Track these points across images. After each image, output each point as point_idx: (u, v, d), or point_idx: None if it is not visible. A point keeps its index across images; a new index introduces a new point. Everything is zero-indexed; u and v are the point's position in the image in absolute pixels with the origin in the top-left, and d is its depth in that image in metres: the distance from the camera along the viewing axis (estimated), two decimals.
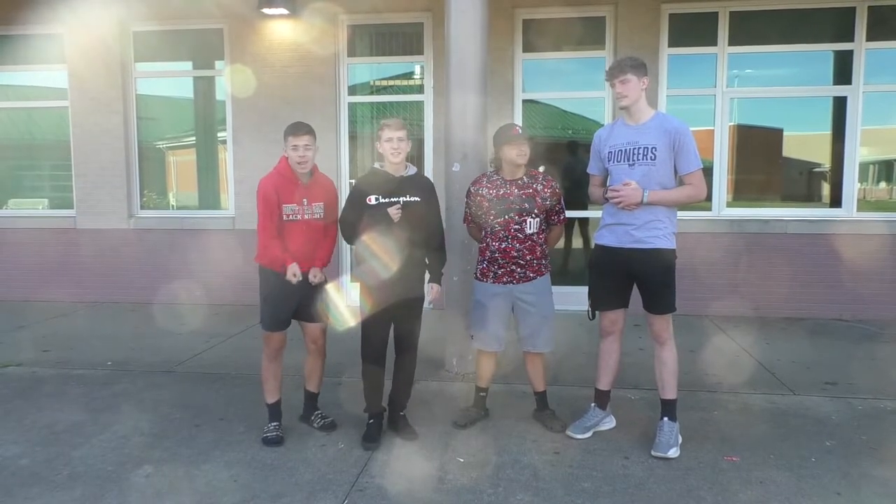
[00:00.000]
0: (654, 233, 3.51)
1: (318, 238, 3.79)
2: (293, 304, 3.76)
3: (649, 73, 3.64)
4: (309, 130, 3.67)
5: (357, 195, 3.68)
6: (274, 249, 3.67)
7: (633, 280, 3.64)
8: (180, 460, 3.54)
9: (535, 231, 3.77)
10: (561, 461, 3.51)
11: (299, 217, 3.70)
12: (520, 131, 3.75)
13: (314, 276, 3.79)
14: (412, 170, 3.76)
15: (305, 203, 3.71)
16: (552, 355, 4.16)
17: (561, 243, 7.19)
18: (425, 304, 3.80)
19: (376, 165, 3.77)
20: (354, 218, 3.67)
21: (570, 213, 4.54)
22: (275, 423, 3.81)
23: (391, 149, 3.62)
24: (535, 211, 3.74)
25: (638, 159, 3.51)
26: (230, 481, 3.31)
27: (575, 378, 4.73)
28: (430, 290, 3.80)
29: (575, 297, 5.68)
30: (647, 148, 3.49)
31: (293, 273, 3.63)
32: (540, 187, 3.78)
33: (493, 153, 3.86)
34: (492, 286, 3.82)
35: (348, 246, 3.93)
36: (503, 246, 3.75)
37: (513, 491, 3.20)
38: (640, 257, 3.53)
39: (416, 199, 3.66)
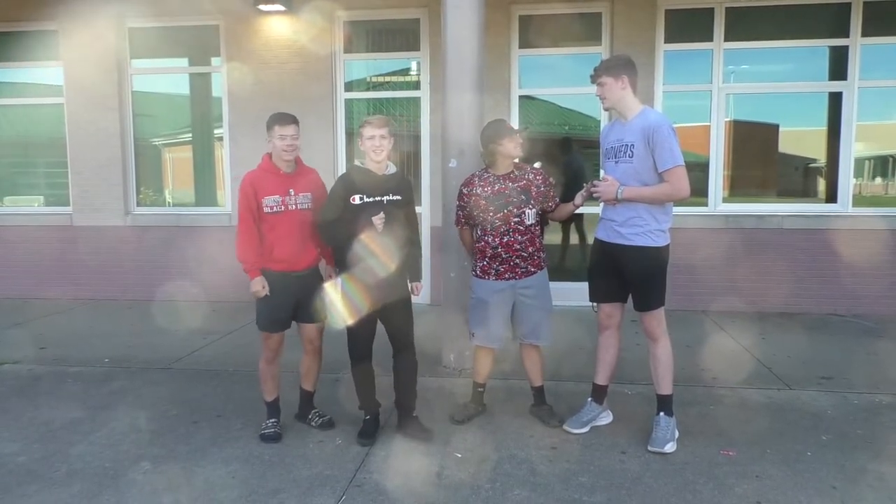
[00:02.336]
0: (634, 230, 3.53)
1: (309, 231, 3.70)
2: (291, 304, 3.71)
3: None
4: (295, 120, 3.67)
5: (339, 193, 3.59)
6: (249, 254, 3.59)
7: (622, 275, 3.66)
8: (178, 457, 3.55)
9: (533, 222, 3.79)
10: (558, 456, 3.52)
11: (283, 209, 3.61)
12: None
13: (330, 273, 3.80)
14: (392, 168, 3.73)
15: (292, 193, 3.65)
16: (549, 350, 4.17)
17: (558, 239, 7.23)
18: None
19: (357, 163, 3.71)
20: (335, 216, 3.57)
21: None
22: (273, 420, 3.81)
23: (373, 146, 3.56)
24: (532, 202, 3.77)
25: (620, 156, 3.56)
26: (228, 477, 3.31)
27: (572, 373, 4.74)
28: (414, 289, 3.82)
29: (573, 294, 5.69)
30: (628, 145, 3.52)
31: (255, 290, 3.60)
32: (531, 177, 3.83)
33: (482, 150, 3.89)
34: (494, 283, 3.82)
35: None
36: (505, 240, 3.75)
37: (510, 486, 3.21)
38: (624, 254, 3.57)
39: (398, 197, 3.65)
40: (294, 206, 3.65)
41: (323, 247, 3.85)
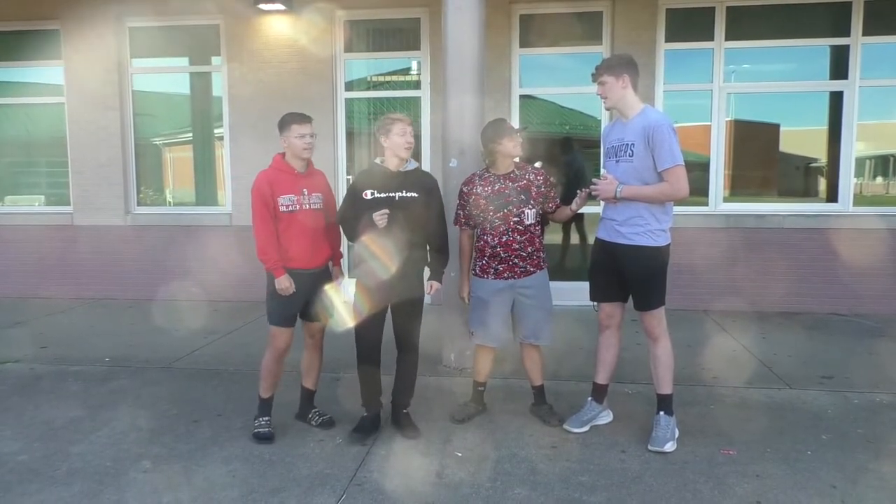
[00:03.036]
0: (635, 229, 3.53)
1: (321, 230, 3.74)
2: (302, 302, 3.73)
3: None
4: (311, 119, 3.72)
5: (354, 190, 3.65)
6: (271, 252, 3.61)
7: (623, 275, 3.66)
8: (178, 456, 3.55)
9: (533, 222, 3.80)
10: (558, 455, 3.52)
11: (298, 207, 3.64)
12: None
13: (337, 275, 3.84)
14: (412, 164, 3.71)
15: (305, 193, 3.68)
16: (549, 350, 4.17)
17: (559, 239, 7.23)
18: (425, 301, 3.79)
19: (376, 160, 3.73)
20: (352, 213, 3.63)
21: None
22: (266, 419, 3.80)
23: (405, 143, 3.57)
24: (532, 202, 3.77)
25: (621, 156, 3.56)
26: (228, 476, 3.31)
27: (572, 373, 4.74)
28: (430, 288, 3.79)
29: (573, 293, 5.69)
30: (628, 145, 3.52)
31: (283, 287, 3.60)
32: (532, 177, 3.83)
33: (482, 150, 3.89)
34: (493, 282, 3.82)
35: (346, 244, 3.91)
36: (504, 239, 3.76)
37: (510, 485, 3.21)
38: (624, 253, 3.57)
39: (414, 194, 3.61)
40: (308, 206, 3.69)
41: (335, 247, 3.87)
